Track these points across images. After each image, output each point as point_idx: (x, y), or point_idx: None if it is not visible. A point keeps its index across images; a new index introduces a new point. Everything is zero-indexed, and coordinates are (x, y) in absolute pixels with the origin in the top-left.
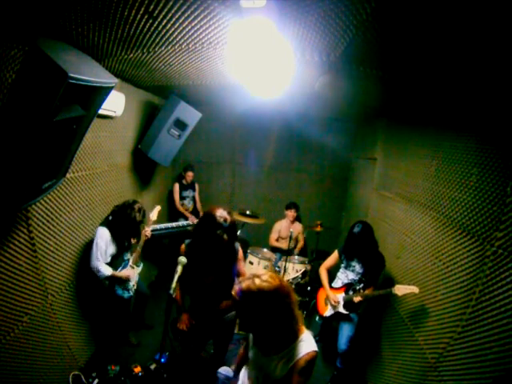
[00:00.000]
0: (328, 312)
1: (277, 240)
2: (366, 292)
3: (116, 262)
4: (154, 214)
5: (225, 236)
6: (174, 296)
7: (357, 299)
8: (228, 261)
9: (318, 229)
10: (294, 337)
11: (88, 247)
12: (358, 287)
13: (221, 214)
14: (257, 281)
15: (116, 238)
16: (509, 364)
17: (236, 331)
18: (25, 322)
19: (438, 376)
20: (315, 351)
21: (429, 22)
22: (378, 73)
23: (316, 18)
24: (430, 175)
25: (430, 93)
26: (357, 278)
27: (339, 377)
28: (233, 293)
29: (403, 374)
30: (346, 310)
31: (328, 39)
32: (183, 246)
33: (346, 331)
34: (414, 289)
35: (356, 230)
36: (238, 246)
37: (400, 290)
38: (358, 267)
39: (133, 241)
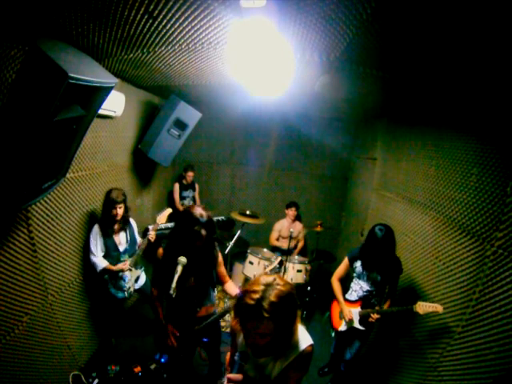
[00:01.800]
0: (343, 327)
1: (277, 239)
2: (385, 308)
3: (109, 260)
4: (161, 218)
5: (203, 231)
6: (173, 296)
7: (374, 317)
8: (208, 261)
9: (318, 229)
10: (295, 333)
11: (88, 247)
12: (375, 301)
13: (196, 210)
14: (278, 287)
15: (104, 230)
16: (509, 364)
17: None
18: (25, 322)
19: (437, 376)
20: (311, 345)
21: (429, 22)
22: (378, 73)
23: (316, 18)
24: (430, 175)
25: (430, 93)
26: (372, 289)
27: (340, 378)
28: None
29: (403, 374)
30: (363, 326)
31: (328, 39)
32: (160, 250)
33: (355, 343)
34: (438, 307)
35: (380, 234)
36: (218, 249)
37: (422, 307)
38: (375, 276)
39: (118, 239)
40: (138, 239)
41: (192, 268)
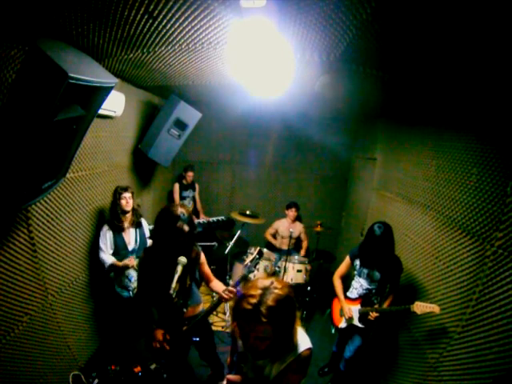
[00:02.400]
0: (343, 324)
1: (274, 238)
2: (384, 307)
3: (117, 258)
4: None
5: (185, 227)
6: (173, 296)
7: (373, 315)
8: (190, 259)
9: (318, 229)
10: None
11: (90, 247)
12: (374, 299)
13: (176, 207)
14: (276, 290)
15: (113, 227)
16: (509, 364)
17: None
18: (25, 322)
19: (437, 376)
20: (310, 349)
21: (429, 21)
22: (378, 73)
23: (316, 18)
24: (430, 175)
25: (430, 93)
26: (372, 287)
27: (340, 378)
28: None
29: (403, 374)
30: (362, 324)
31: (328, 39)
32: (142, 254)
33: (355, 340)
34: (435, 308)
35: (378, 231)
36: (199, 248)
37: (419, 307)
38: (376, 274)
39: (127, 238)
40: (149, 241)
41: (175, 264)
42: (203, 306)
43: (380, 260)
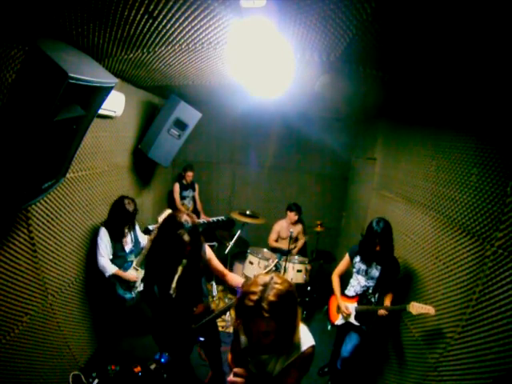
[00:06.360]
0: (339, 321)
1: (276, 241)
2: (381, 306)
3: (117, 261)
4: (162, 218)
5: (185, 237)
6: (173, 296)
7: (381, 312)
8: (192, 264)
9: (318, 229)
10: (297, 330)
11: (90, 248)
12: (371, 298)
13: (182, 215)
14: (276, 285)
15: (113, 234)
16: (509, 364)
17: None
18: (25, 322)
19: (437, 376)
20: (313, 346)
21: (429, 22)
22: (378, 73)
23: (316, 18)
24: (430, 175)
25: (429, 93)
26: (370, 285)
27: (338, 377)
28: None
29: (403, 374)
30: (358, 322)
31: (328, 39)
32: None
33: (352, 339)
34: (430, 309)
35: (377, 227)
36: (204, 246)
37: (415, 308)
38: (373, 272)
39: (125, 240)
40: (141, 239)
41: (174, 269)
42: (213, 303)
43: (378, 255)
